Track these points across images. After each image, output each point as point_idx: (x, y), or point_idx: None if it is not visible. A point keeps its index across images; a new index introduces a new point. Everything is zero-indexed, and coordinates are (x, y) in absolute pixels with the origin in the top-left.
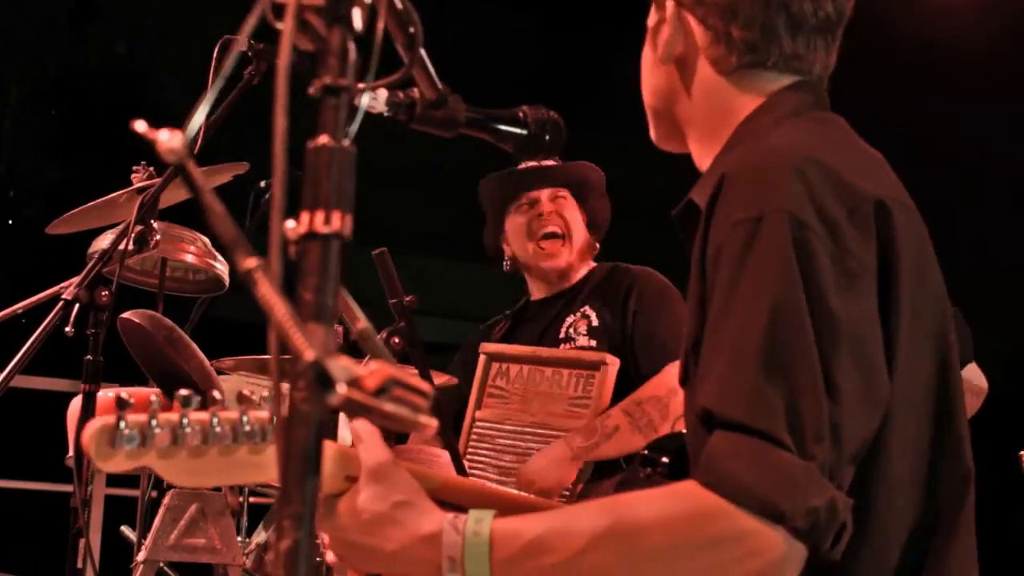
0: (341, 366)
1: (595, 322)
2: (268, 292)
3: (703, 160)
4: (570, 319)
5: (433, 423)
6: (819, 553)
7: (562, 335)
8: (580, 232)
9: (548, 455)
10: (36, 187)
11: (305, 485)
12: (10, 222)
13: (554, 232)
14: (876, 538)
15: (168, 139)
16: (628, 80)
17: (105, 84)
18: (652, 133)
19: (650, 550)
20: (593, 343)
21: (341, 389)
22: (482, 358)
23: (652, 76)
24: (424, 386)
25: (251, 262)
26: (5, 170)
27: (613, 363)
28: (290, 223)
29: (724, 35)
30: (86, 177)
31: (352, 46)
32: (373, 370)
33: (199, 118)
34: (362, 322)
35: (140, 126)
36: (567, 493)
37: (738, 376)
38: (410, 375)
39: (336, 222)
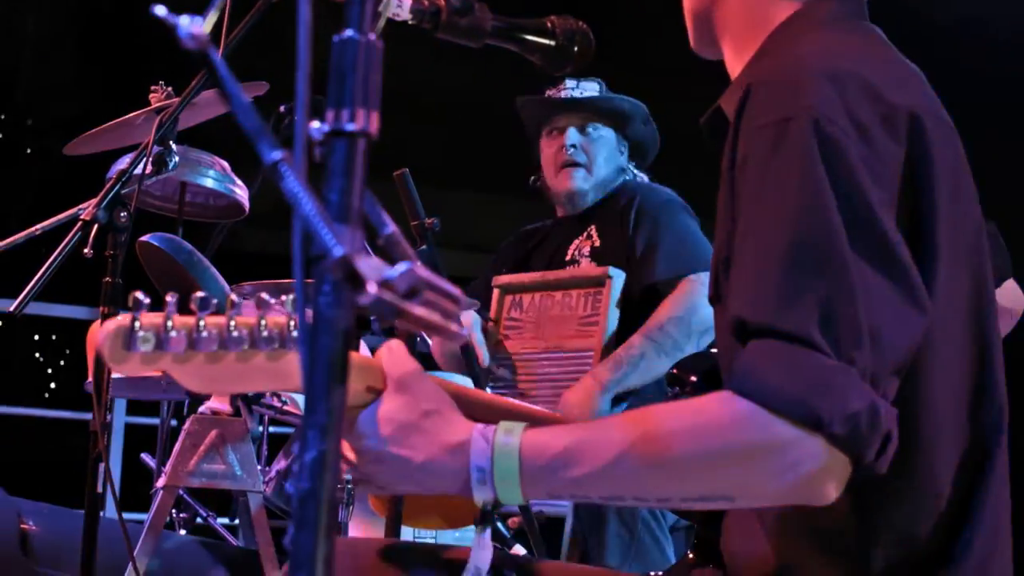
0: (371, 265)
1: (597, 242)
2: (294, 185)
3: (735, 67)
4: (577, 241)
5: (463, 332)
6: (862, 464)
7: (568, 257)
8: (601, 166)
9: (578, 392)
10: (55, 115)
11: (331, 395)
12: (29, 151)
13: (571, 160)
14: (921, 462)
15: (189, 24)
16: None
17: (120, 10)
18: (691, 38)
19: (681, 460)
20: (594, 264)
21: (371, 288)
22: (496, 292)
23: None
24: (455, 290)
25: (276, 154)
26: (24, 99)
27: (617, 275)
28: (315, 123)
29: None
30: (105, 106)
31: None
32: (404, 271)
33: (217, 9)
34: (390, 226)
35: (160, 10)
36: None
37: (767, 280)
38: (442, 280)
39: (362, 120)
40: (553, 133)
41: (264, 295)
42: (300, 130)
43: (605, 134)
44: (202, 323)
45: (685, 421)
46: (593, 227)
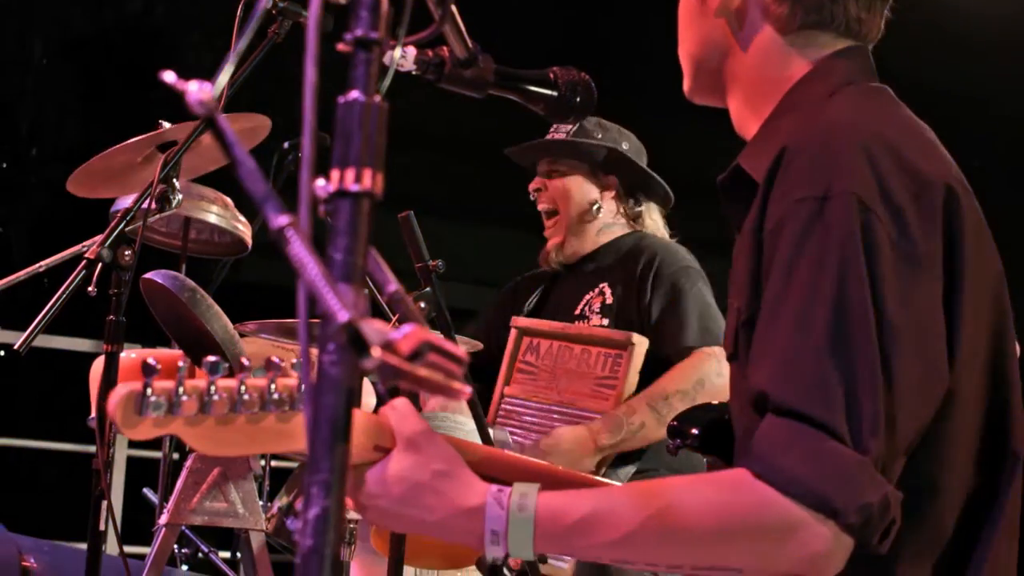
0: (375, 329)
1: (609, 299)
2: (299, 251)
3: (746, 122)
4: (588, 295)
5: (467, 389)
6: (867, 547)
7: (577, 312)
8: (569, 206)
9: (570, 438)
10: (58, 146)
11: (334, 452)
12: (33, 180)
13: (544, 209)
14: (931, 513)
15: (198, 91)
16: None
17: (127, 43)
18: (686, 84)
19: (696, 536)
20: (605, 322)
21: (375, 352)
22: (513, 332)
23: (700, 27)
24: (459, 351)
25: (282, 219)
26: (27, 129)
27: (640, 343)
28: (320, 181)
29: None
30: (108, 136)
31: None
32: (407, 333)
33: (226, 74)
34: (393, 284)
35: (169, 76)
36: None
37: (797, 361)
38: (444, 339)
39: (367, 180)
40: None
41: (274, 358)
42: (305, 191)
43: (573, 172)
44: (213, 387)
45: (703, 498)
46: (605, 284)
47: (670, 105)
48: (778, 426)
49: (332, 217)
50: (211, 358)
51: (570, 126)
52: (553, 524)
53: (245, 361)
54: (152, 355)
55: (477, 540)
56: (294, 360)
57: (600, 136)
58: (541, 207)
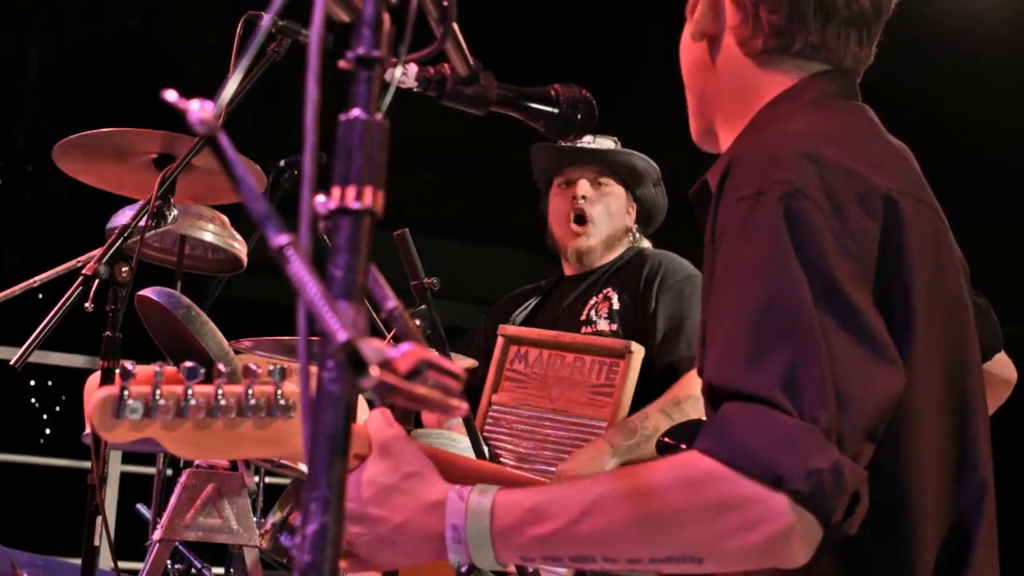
0: (374, 348)
1: (616, 305)
2: (299, 270)
3: (727, 143)
4: (592, 300)
5: (464, 406)
6: (830, 525)
7: (583, 317)
8: (609, 222)
9: (588, 451)
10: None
11: (332, 469)
12: (29, 196)
13: (580, 215)
14: (902, 530)
15: (199, 110)
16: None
17: (126, 56)
18: (692, 129)
19: (647, 517)
20: (614, 327)
21: (374, 372)
22: (500, 340)
23: (687, 52)
24: (456, 369)
25: (283, 239)
26: (24, 142)
27: (638, 351)
28: (320, 198)
29: (753, 16)
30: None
31: (387, 17)
32: (405, 352)
33: (228, 91)
34: (392, 301)
35: (170, 95)
36: None
37: (734, 345)
38: (442, 358)
39: (368, 198)
40: (563, 184)
41: (252, 365)
42: (306, 208)
43: (616, 191)
44: (190, 391)
45: (652, 477)
46: (610, 289)
47: (666, 115)
48: (725, 408)
49: (332, 234)
50: (188, 363)
51: (612, 139)
52: (508, 515)
53: (223, 367)
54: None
55: (439, 540)
56: (270, 367)
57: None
58: (576, 212)
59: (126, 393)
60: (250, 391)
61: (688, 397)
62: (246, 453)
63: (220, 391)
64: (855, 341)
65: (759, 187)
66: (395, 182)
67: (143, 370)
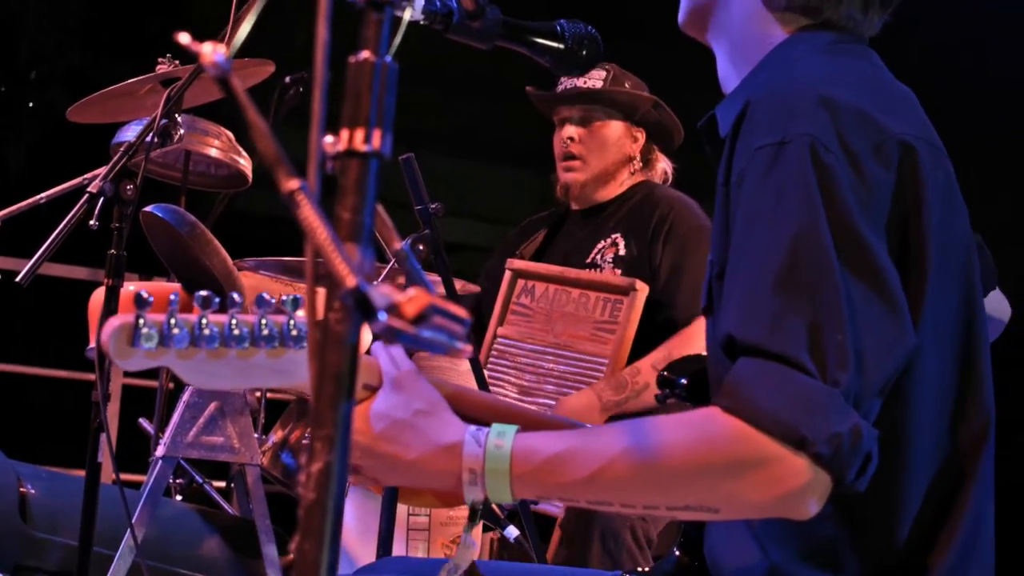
0: (382, 294)
1: (622, 251)
2: (309, 215)
3: (729, 76)
4: (600, 244)
5: (469, 348)
6: (843, 482)
7: (589, 260)
8: (601, 157)
9: (577, 402)
10: (58, 69)
11: (338, 408)
12: (31, 104)
13: (570, 153)
14: (900, 479)
15: (211, 52)
16: None
17: None
18: (680, 18)
19: (667, 472)
20: (618, 272)
21: (381, 316)
22: (508, 274)
23: None
24: (461, 312)
25: (293, 183)
26: (28, 50)
27: (643, 289)
28: (328, 138)
29: None
30: (108, 61)
31: None
32: (412, 296)
33: (244, 30)
34: (398, 243)
35: (184, 38)
36: None
37: (759, 300)
38: (447, 301)
39: (376, 140)
40: (559, 124)
41: (265, 295)
42: (314, 150)
43: (609, 124)
44: (204, 320)
45: (674, 434)
46: (619, 235)
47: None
48: (745, 364)
49: (340, 175)
50: (203, 292)
51: (603, 72)
52: (528, 461)
53: (236, 297)
54: (146, 287)
55: (455, 480)
56: (283, 297)
57: (628, 85)
58: (567, 150)
59: (141, 321)
60: (263, 321)
61: (683, 356)
62: (258, 382)
63: (233, 320)
64: (878, 304)
65: (780, 137)
66: (403, 98)
67: (157, 292)
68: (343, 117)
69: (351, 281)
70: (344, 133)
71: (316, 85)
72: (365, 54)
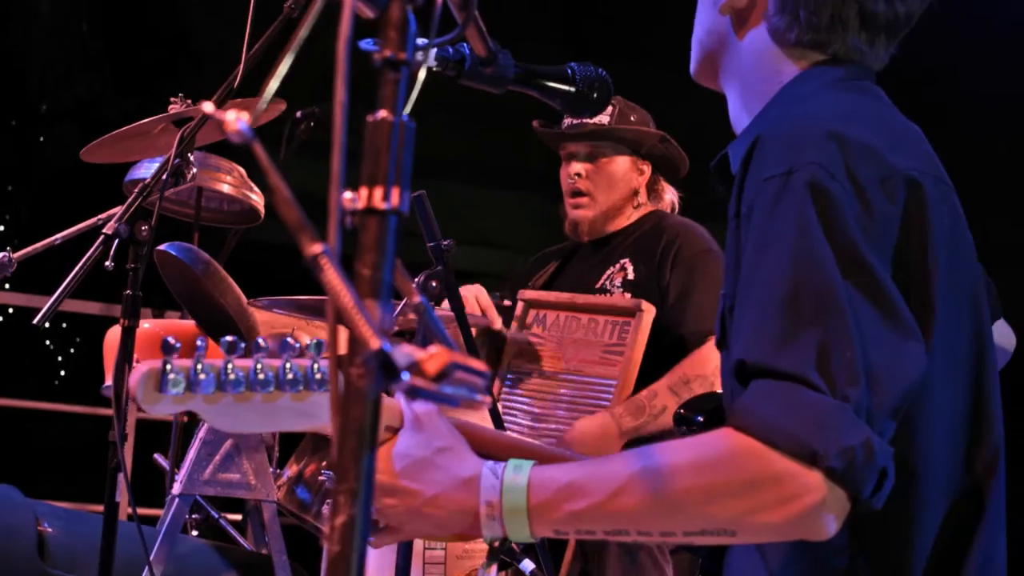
0: (404, 353)
1: (631, 275)
2: (333, 279)
3: (740, 117)
4: (610, 270)
5: (488, 400)
6: (859, 500)
7: (599, 285)
8: (608, 193)
9: (594, 425)
10: (66, 101)
11: (360, 462)
12: (41, 139)
13: (577, 190)
14: (914, 511)
15: (235, 120)
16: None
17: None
18: (692, 67)
19: (680, 494)
20: (627, 295)
21: (404, 376)
22: (520, 304)
23: (708, 15)
24: (481, 366)
25: (316, 247)
26: (36, 83)
27: (649, 310)
28: (348, 194)
29: (791, 10)
30: (114, 93)
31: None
32: (433, 355)
33: (277, 79)
34: (416, 297)
35: (208, 107)
36: None
37: (766, 323)
38: (468, 358)
39: (395, 199)
40: (565, 160)
41: (289, 339)
42: (334, 209)
43: (615, 160)
44: (230, 366)
45: (685, 456)
46: (627, 260)
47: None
48: (756, 386)
49: (360, 232)
50: (229, 338)
51: (609, 107)
52: (544, 491)
53: (262, 342)
54: (169, 329)
55: (473, 516)
56: (307, 341)
57: (634, 118)
58: (574, 187)
59: (169, 367)
60: (287, 365)
61: (697, 376)
62: (283, 425)
63: (259, 365)
64: (883, 320)
65: (788, 167)
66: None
67: (182, 336)
68: (362, 175)
69: (375, 343)
70: (363, 191)
71: (335, 146)
72: (383, 113)
